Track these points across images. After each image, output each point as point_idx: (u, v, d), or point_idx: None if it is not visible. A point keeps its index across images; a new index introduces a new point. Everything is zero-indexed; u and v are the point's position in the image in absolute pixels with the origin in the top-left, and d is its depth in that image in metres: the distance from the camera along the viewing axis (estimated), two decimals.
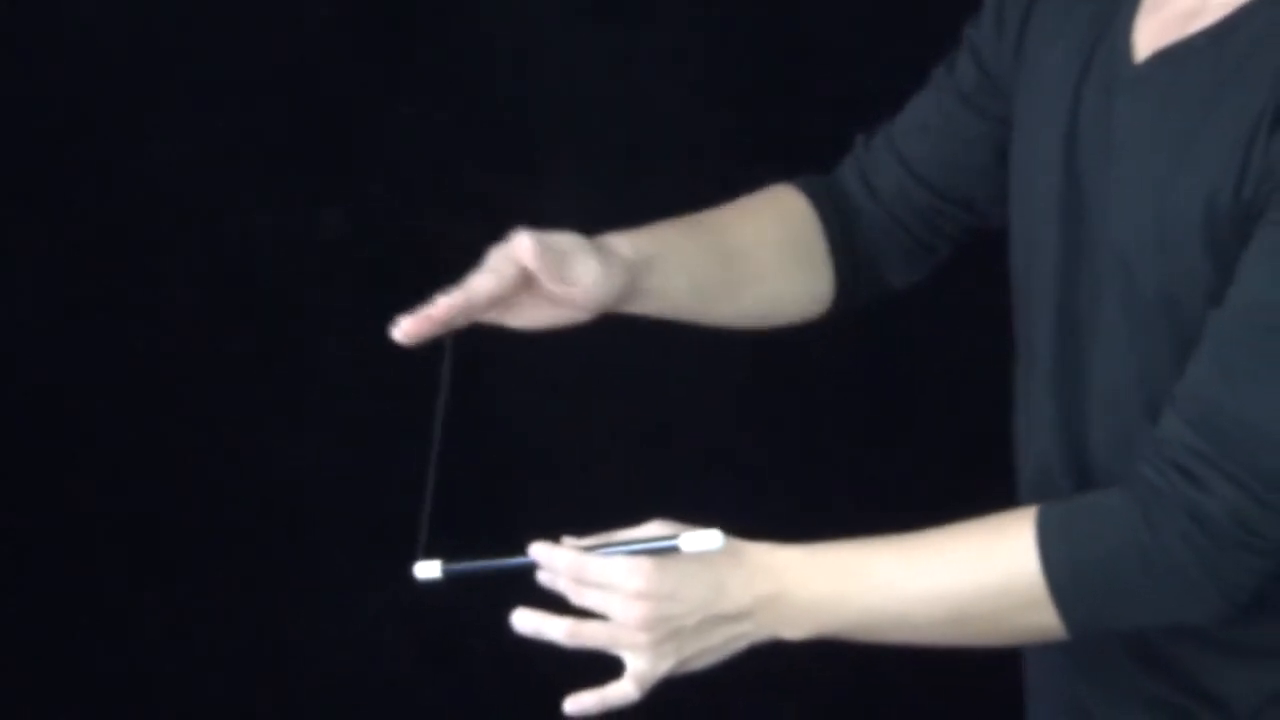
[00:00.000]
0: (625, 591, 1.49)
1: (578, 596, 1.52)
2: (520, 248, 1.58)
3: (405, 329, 1.59)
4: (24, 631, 2.77)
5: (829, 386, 2.58)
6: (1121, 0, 1.59)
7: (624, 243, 1.65)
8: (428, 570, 1.56)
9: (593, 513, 1.61)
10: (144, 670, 2.79)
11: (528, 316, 1.63)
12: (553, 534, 1.54)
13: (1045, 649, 1.71)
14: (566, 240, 1.61)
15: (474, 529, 1.56)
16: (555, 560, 1.52)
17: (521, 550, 1.52)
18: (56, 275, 2.69)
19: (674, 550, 1.50)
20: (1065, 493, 1.58)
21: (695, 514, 1.53)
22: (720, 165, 2.73)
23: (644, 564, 1.49)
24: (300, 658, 2.82)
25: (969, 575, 1.49)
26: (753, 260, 1.75)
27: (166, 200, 2.69)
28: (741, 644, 1.53)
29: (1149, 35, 1.55)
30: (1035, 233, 1.63)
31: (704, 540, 1.50)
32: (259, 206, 2.71)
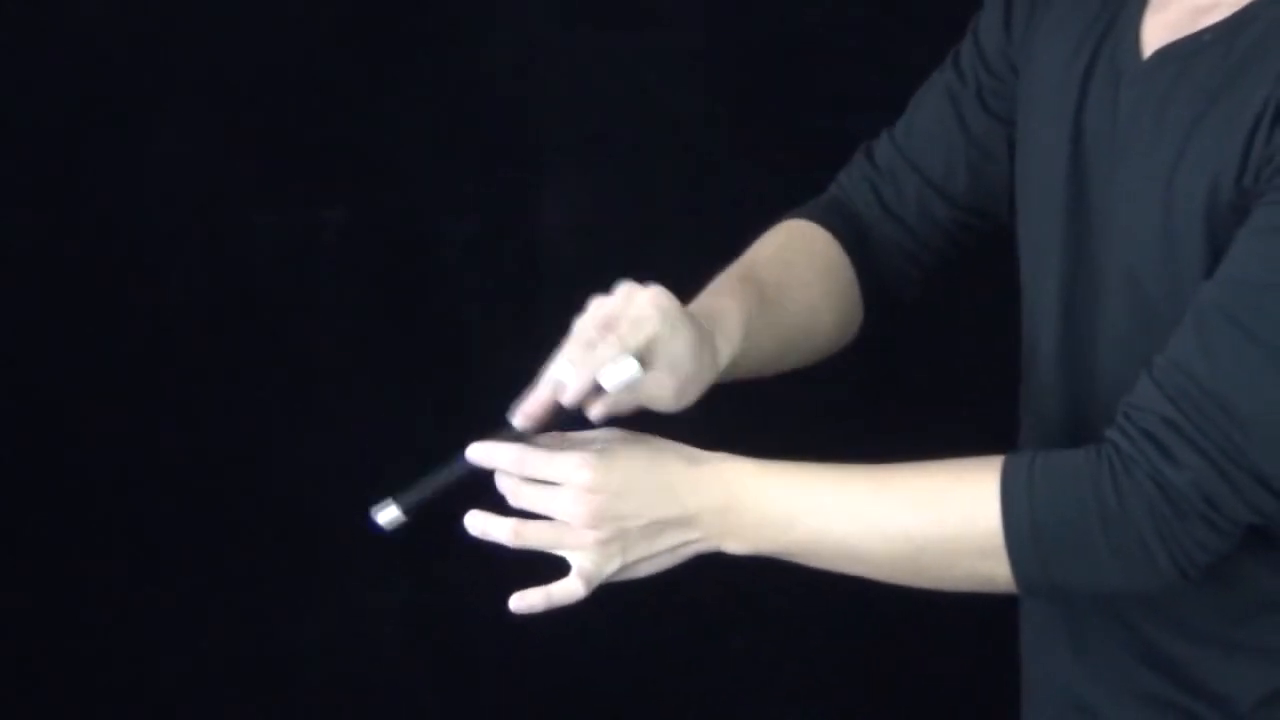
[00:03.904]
0: (573, 485, 1.48)
1: (516, 497, 1.50)
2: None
3: (527, 413, 1.53)
4: (24, 631, 2.77)
5: (829, 383, 2.58)
6: None
7: (725, 353, 1.59)
8: (388, 515, 1.53)
9: None
10: (144, 670, 2.79)
11: None
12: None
13: (1044, 644, 1.71)
14: (689, 363, 1.53)
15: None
16: (496, 456, 1.49)
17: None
18: (56, 275, 2.69)
19: (599, 392, 1.48)
20: None
21: None
22: (721, 165, 2.73)
23: (592, 458, 1.48)
24: (300, 658, 2.82)
25: (925, 514, 1.48)
26: (803, 322, 1.73)
27: (166, 200, 2.69)
28: (687, 552, 1.52)
29: (1156, 31, 1.56)
30: (1041, 229, 1.63)
31: (622, 370, 1.48)
32: (259, 206, 2.70)
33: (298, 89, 2.69)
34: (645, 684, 2.80)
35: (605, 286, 1.57)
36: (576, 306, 1.56)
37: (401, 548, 2.76)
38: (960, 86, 1.75)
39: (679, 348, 1.52)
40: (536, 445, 1.51)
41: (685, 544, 1.51)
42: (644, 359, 1.51)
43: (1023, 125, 1.68)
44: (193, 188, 2.69)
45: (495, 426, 1.53)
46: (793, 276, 1.74)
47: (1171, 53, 1.53)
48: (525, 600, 1.51)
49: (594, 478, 1.48)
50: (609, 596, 1.54)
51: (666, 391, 1.54)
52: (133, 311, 2.71)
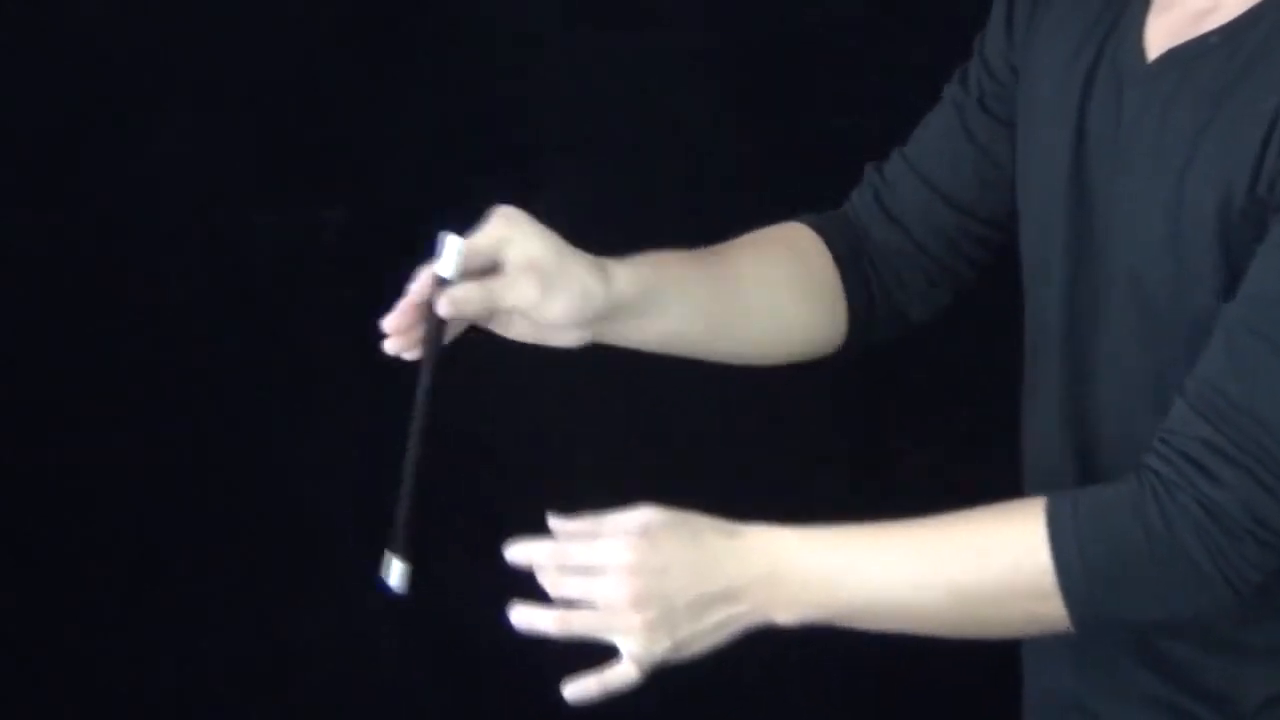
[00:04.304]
0: (615, 568, 1.47)
1: (558, 589, 1.49)
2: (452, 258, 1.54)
3: (393, 326, 1.56)
4: (24, 631, 2.77)
5: (832, 381, 2.58)
6: None
7: (623, 275, 1.60)
8: (395, 572, 1.54)
9: (580, 510, 1.58)
10: (144, 670, 2.79)
11: (513, 329, 1.58)
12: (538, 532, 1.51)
13: (1045, 648, 1.71)
14: (550, 259, 1.55)
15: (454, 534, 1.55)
16: (535, 554, 1.49)
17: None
18: (56, 274, 2.69)
19: (445, 284, 1.51)
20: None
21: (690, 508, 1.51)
22: (721, 166, 2.73)
23: (632, 540, 1.47)
24: (300, 658, 2.82)
25: (974, 562, 1.47)
26: (755, 295, 1.70)
27: (166, 199, 2.69)
28: (735, 628, 1.50)
29: (1160, 34, 1.55)
30: (1042, 230, 1.63)
31: (447, 248, 1.52)
32: (259, 206, 2.70)
33: (298, 89, 2.69)
34: (645, 685, 2.80)
35: None
36: None
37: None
38: (964, 96, 1.74)
39: (534, 248, 1.53)
40: (571, 535, 1.50)
41: (732, 618, 1.49)
42: (499, 262, 1.53)
43: (1023, 126, 1.68)
44: (193, 188, 2.69)
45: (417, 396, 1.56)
46: (758, 260, 1.72)
47: (1175, 56, 1.53)
48: (580, 690, 1.50)
49: (635, 559, 1.46)
50: None
51: (527, 295, 1.54)
52: (133, 311, 2.71)
